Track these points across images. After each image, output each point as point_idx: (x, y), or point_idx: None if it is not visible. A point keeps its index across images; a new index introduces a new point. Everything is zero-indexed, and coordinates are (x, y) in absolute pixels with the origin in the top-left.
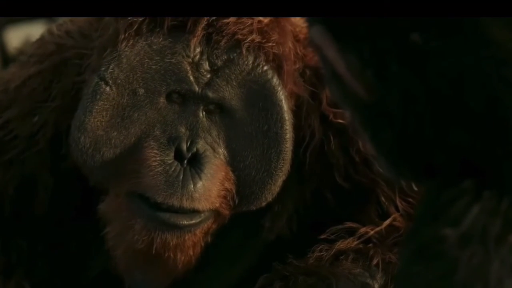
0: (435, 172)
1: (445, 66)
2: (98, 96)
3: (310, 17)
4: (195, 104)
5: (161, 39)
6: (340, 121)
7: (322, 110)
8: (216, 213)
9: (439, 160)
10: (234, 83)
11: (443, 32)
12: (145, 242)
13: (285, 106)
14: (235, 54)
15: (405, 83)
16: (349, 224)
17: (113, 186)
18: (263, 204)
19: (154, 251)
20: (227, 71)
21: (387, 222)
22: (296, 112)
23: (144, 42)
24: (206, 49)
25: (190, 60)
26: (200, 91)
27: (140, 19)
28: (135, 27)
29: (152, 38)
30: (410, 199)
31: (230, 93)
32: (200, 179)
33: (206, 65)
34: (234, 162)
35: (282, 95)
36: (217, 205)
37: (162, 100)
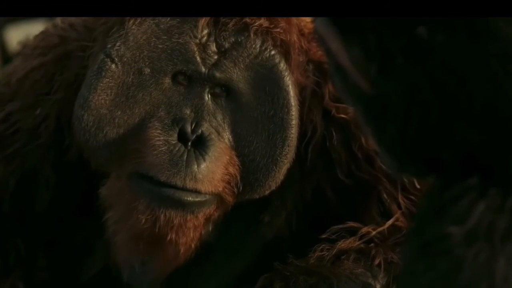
0: (438, 169)
1: (451, 60)
2: (103, 73)
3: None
4: (201, 86)
5: (168, 18)
6: (343, 116)
7: (325, 105)
8: (219, 198)
9: (443, 156)
10: (242, 66)
11: (449, 27)
12: (149, 222)
13: (292, 91)
14: (242, 37)
15: (409, 77)
16: (351, 223)
17: (115, 167)
18: (267, 192)
19: (157, 230)
20: (235, 53)
21: (390, 222)
22: (299, 107)
23: (152, 21)
24: (214, 30)
25: (197, 41)
26: (206, 71)
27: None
28: None
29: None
30: (412, 197)
31: (237, 75)
32: (204, 160)
33: (213, 47)
34: (238, 147)
35: (289, 81)
36: (220, 189)
37: (167, 80)
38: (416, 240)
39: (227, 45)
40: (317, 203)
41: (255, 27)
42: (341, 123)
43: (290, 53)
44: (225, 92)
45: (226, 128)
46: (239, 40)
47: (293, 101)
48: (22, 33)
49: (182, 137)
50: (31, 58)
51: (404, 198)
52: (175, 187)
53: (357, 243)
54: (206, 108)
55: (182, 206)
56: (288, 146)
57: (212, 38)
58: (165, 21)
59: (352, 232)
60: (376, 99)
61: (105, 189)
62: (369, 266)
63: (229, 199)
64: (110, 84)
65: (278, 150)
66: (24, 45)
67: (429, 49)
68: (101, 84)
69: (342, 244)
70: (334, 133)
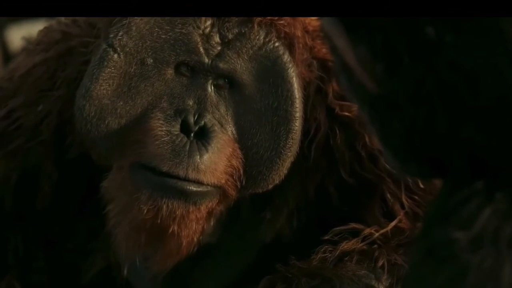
0: (445, 171)
1: (459, 60)
2: (105, 63)
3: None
4: (204, 77)
5: None
6: (347, 114)
7: (329, 103)
8: (221, 191)
9: (448, 156)
10: (245, 57)
11: (458, 27)
12: (151, 212)
13: (296, 84)
14: (246, 29)
15: (416, 77)
16: (354, 225)
17: (117, 158)
18: (270, 186)
19: (159, 222)
20: (238, 44)
21: (393, 223)
22: (303, 102)
23: None
24: (217, 21)
25: (200, 31)
26: (210, 62)
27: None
28: None
29: None
30: (416, 197)
31: (241, 66)
32: (207, 151)
33: (216, 37)
34: (242, 139)
35: (293, 73)
36: (223, 181)
37: (170, 71)
38: (422, 244)
39: (230, 36)
40: (319, 202)
41: (259, 19)
42: (345, 121)
43: (294, 45)
44: (229, 83)
45: (229, 120)
46: (243, 31)
47: (297, 93)
48: (23, 33)
49: (185, 128)
50: (34, 53)
51: (407, 198)
52: (177, 177)
53: (360, 244)
54: (209, 100)
55: (185, 196)
56: (292, 139)
57: (215, 29)
58: None
59: (355, 233)
60: (381, 98)
61: (107, 181)
62: (372, 267)
63: (232, 192)
64: (112, 74)
65: (282, 143)
66: (28, 40)
67: (436, 49)
68: (103, 74)
69: (345, 246)
70: (337, 132)
